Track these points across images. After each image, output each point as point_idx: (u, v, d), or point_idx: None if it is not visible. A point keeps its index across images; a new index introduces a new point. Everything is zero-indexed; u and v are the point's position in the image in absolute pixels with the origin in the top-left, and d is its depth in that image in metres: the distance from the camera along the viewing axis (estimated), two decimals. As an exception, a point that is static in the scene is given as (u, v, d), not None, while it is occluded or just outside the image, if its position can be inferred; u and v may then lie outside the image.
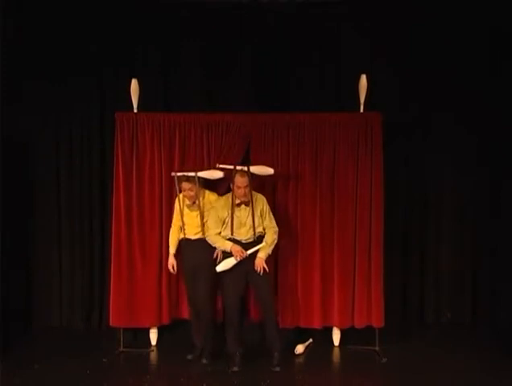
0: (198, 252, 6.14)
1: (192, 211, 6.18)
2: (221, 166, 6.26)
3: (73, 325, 7.26)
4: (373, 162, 6.48)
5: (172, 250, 6.31)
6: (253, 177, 6.15)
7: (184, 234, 6.22)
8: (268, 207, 6.16)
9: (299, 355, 6.41)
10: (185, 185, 6.12)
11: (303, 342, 6.52)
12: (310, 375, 5.85)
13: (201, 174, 6.19)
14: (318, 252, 6.52)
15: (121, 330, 6.48)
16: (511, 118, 7.08)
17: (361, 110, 6.49)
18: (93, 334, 7.11)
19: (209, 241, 6.10)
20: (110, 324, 6.55)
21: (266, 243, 6.01)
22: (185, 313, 6.55)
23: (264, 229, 6.10)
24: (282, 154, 6.50)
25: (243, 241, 6.01)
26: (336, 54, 7.08)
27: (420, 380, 5.76)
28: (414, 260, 7.39)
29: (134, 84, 6.44)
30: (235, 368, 5.95)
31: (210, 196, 6.23)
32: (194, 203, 6.16)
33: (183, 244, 6.26)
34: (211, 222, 6.11)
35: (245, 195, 6.03)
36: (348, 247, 6.51)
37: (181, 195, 6.22)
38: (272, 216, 6.16)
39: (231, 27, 7.03)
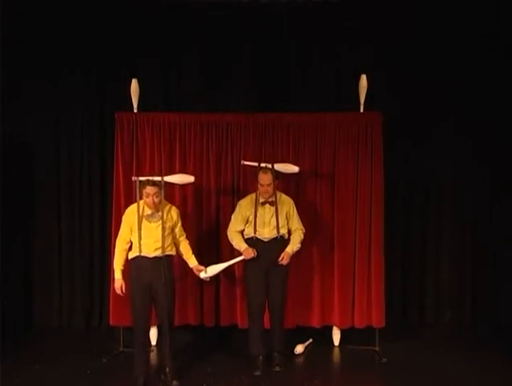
0: (156, 271, 5.53)
1: (151, 222, 5.58)
2: (246, 162, 6.20)
3: (73, 325, 7.26)
4: (374, 161, 6.49)
5: (119, 274, 5.60)
6: (278, 175, 6.06)
7: (140, 251, 5.55)
8: (295, 209, 6.07)
9: (299, 355, 6.40)
10: (150, 189, 5.50)
11: (302, 342, 6.52)
12: (310, 375, 5.84)
13: (168, 178, 5.89)
14: (318, 252, 6.53)
15: (122, 330, 6.47)
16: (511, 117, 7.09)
17: (361, 110, 6.49)
18: (93, 334, 7.12)
19: (229, 237, 6.07)
20: (110, 323, 6.54)
21: (294, 241, 5.98)
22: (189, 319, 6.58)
23: (289, 231, 6.04)
24: (283, 154, 6.49)
25: (265, 240, 5.95)
26: (336, 54, 7.07)
27: (420, 380, 5.75)
28: (415, 260, 7.39)
29: (134, 84, 6.43)
30: (257, 373, 5.83)
31: (173, 211, 5.75)
32: (156, 212, 5.59)
33: (137, 263, 5.56)
34: (234, 219, 6.06)
35: (267, 193, 5.92)
36: (348, 247, 6.51)
37: (141, 204, 5.62)
38: (299, 218, 6.07)
39: (231, 27, 7.03)
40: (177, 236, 5.79)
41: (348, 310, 6.54)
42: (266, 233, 5.95)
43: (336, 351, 6.56)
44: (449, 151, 7.29)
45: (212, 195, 6.56)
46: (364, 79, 6.43)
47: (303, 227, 6.08)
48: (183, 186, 6.44)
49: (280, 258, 5.90)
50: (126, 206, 6.24)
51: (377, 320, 6.50)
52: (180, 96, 7.21)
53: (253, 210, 5.97)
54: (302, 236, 6.04)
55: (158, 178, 5.71)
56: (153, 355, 6.38)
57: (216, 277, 6.41)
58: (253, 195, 6.06)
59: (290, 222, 6.04)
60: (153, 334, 6.49)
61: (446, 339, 6.88)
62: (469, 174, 7.29)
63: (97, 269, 7.25)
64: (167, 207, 5.72)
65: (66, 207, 7.24)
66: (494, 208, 7.29)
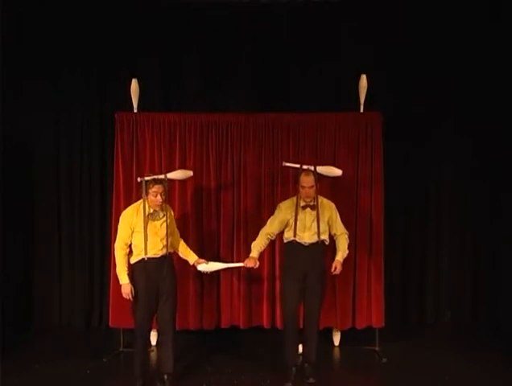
0: (162, 270, 5.49)
1: (155, 220, 5.53)
2: (287, 164, 6.07)
3: (73, 325, 7.27)
4: (374, 161, 6.49)
5: (126, 279, 5.44)
6: (320, 177, 5.86)
7: (146, 252, 5.46)
8: (338, 214, 5.86)
9: (299, 355, 6.38)
10: (157, 188, 5.46)
11: (303, 342, 6.50)
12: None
13: (171, 175, 5.90)
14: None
15: (122, 330, 6.47)
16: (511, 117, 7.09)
17: (361, 110, 6.50)
18: (93, 334, 7.13)
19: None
20: (110, 325, 6.54)
21: (343, 248, 5.77)
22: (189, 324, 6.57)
23: (334, 236, 5.83)
24: (283, 154, 6.49)
25: (305, 245, 5.71)
26: (336, 54, 7.08)
27: (420, 380, 5.75)
28: (415, 260, 7.39)
29: (134, 84, 6.43)
30: (289, 384, 5.62)
31: (171, 210, 5.77)
32: (160, 210, 5.53)
33: (144, 265, 5.47)
34: (269, 221, 5.85)
35: (309, 196, 5.69)
36: (348, 247, 6.49)
37: (146, 204, 5.53)
38: (341, 223, 5.88)
39: (231, 27, 7.04)
40: (174, 234, 5.78)
41: (348, 310, 6.54)
42: (307, 238, 5.71)
43: (336, 351, 6.56)
44: (449, 151, 7.29)
45: (212, 194, 6.55)
46: (364, 79, 6.43)
47: (347, 231, 5.89)
48: (183, 187, 6.44)
49: (332, 268, 5.66)
50: (126, 206, 6.19)
51: (377, 320, 6.50)
52: (180, 96, 7.21)
53: (293, 213, 5.73)
54: (348, 241, 5.85)
55: (161, 176, 5.70)
56: (153, 355, 6.37)
57: (216, 279, 6.44)
58: (294, 198, 5.84)
59: (333, 227, 5.82)
60: (153, 334, 6.46)
61: (446, 339, 6.88)
62: (469, 174, 7.29)
63: (97, 269, 7.25)
64: (166, 205, 5.70)
65: (66, 207, 7.25)
66: (494, 208, 7.29)
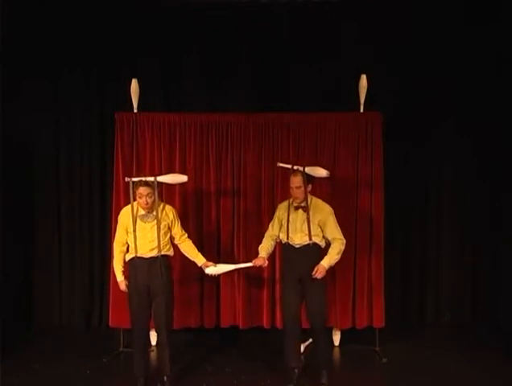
0: (153, 271, 5.48)
1: (146, 222, 5.51)
2: (281, 164, 6.02)
3: (73, 325, 7.27)
4: (374, 162, 6.49)
5: (121, 276, 5.58)
6: (310, 179, 5.72)
7: (136, 251, 5.50)
8: (332, 217, 5.69)
9: (302, 354, 6.39)
10: (143, 190, 5.40)
11: (303, 342, 6.50)
12: (310, 375, 5.84)
13: (161, 178, 5.76)
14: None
15: (122, 330, 6.47)
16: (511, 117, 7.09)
17: (361, 110, 6.49)
18: (93, 334, 7.13)
19: None
20: (110, 325, 6.55)
21: (332, 253, 5.62)
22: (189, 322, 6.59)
23: (327, 240, 5.70)
24: (283, 154, 6.50)
25: (296, 246, 5.66)
26: (336, 54, 7.07)
27: (420, 380, 5.76)
28: (415, 260, 7.39)
29: (134, 84, 6.43)
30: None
31: (168, 210, 5.64)
32: (150, 212, 5.51)
33: (134, 264, 5.52)
34: (271, 223, 5.87)
35: (297, 197, 5.63)
36: (348, 247, 6.49)
37: (135, 205, 5.54)
38: (338, 227, 5.71)
39: (231, 27, 7.04)
40: (178, 236, 5.71)
41: (348, 310, 6.54)
42: (297, 239, 5.64)
43: (336, 351, 6.56)
44: (449, 151, 7.29)
45: (212, 194, 6.55)
46: (364, 79, 6.43)
47: (342, 237, 5.70)
48: (183, 187, 6.44)
49: (314, 271, 5.51)
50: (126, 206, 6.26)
51: (378, 320, 6.51)
52: (180, 96, 7.21)
53: (286, 214, 5.73)
54: (341, 247, 5.67)
55: (151, 179, 5.60)
56: (153, 355, 6.37)
57: (216, 280, 6.43)
58: (289, 199, 5.81)
59: (325, 231, 5.67)
60: (153, 334, 6.44)
61: (446, 339, 6.88)
62: (469, 174, 7.29)
63: (97, 269, 7.25)
64: (162, 206, 5.63)
65: (66, 207, 7.25)
66: (494, 208, 7.29)
